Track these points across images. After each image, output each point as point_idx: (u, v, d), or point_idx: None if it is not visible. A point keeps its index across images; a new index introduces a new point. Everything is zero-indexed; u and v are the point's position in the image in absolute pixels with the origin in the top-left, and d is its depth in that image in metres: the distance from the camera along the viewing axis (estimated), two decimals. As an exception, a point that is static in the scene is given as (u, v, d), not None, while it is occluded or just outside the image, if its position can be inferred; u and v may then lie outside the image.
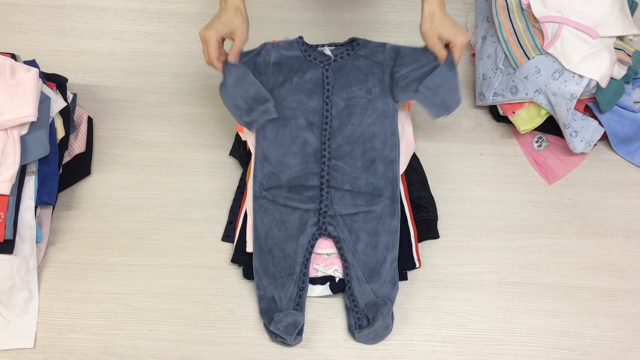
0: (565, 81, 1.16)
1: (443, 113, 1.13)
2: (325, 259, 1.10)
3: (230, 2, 1.04)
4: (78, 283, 1.13)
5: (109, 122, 1.29)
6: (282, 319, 1.04)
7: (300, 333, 1.07)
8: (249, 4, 1.09)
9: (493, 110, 1.29)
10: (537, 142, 1.27)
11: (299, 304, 1.07)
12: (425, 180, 1.21)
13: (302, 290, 1.07)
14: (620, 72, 1.18)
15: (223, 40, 1.05)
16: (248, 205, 1.13)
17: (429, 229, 1.17)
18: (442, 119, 1.30)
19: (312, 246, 1.08)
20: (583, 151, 1.22)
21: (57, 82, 1.19)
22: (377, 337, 1.08)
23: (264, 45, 1.13)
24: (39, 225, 1.13)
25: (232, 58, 1.06)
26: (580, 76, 1.15)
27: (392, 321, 1.09)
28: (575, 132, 1.20)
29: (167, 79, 1.35)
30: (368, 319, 1.07)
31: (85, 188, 1.22)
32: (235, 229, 1.15)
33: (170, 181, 1.23)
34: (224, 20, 1.03)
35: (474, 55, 1.36)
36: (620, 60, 1.17)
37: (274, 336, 1.07)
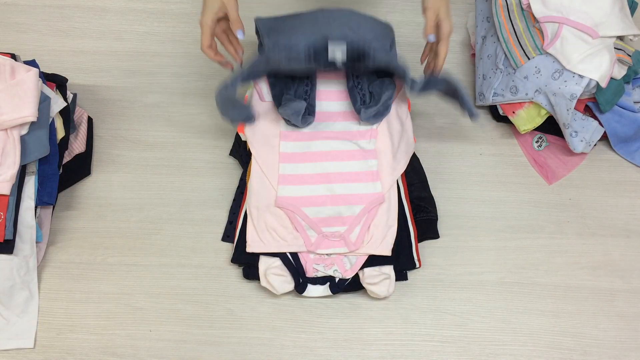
0: (565, 81, 1.16)
1: None
2: (325, 259, 1.09)
3: None
4: (78, 283, 1.13)
5: (109, 122, 1.29)
6: (287, 108, 1.09)
7: (311, 113, 1.12)
8: (244, 4, 1.09)
9: (493, 110, 1.29)
10: (537, 142, 1.27)
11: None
12: (425, 180, 1.21)
13: None
14: (620, 72, 1.18)
15: (218, 20, 1.07)
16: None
17: (429, 229, 1.17)
18: (442, 119, 1.30)
19: None
20: (583, 151, 1.22)
21: (57, 82, 1.19)
22: (378, 116, 1.12)
23: None
24: (39, 225, 1.13)
25: (237, 28, 1.06)
26: (580, 76, 1.15)
27: None
28: (575, 132, 1.20)
29: (167, 79, 1.35)
30: (373, 95, 1.12)
31: (85, 188, 1.22)
32: (235, 229, 1.15)
33: (170, 181, 1.23)
34: (208, 3, 1.05)
35: (474, 55, 1.36)
36: (620, 60, 1.17)
37: None
